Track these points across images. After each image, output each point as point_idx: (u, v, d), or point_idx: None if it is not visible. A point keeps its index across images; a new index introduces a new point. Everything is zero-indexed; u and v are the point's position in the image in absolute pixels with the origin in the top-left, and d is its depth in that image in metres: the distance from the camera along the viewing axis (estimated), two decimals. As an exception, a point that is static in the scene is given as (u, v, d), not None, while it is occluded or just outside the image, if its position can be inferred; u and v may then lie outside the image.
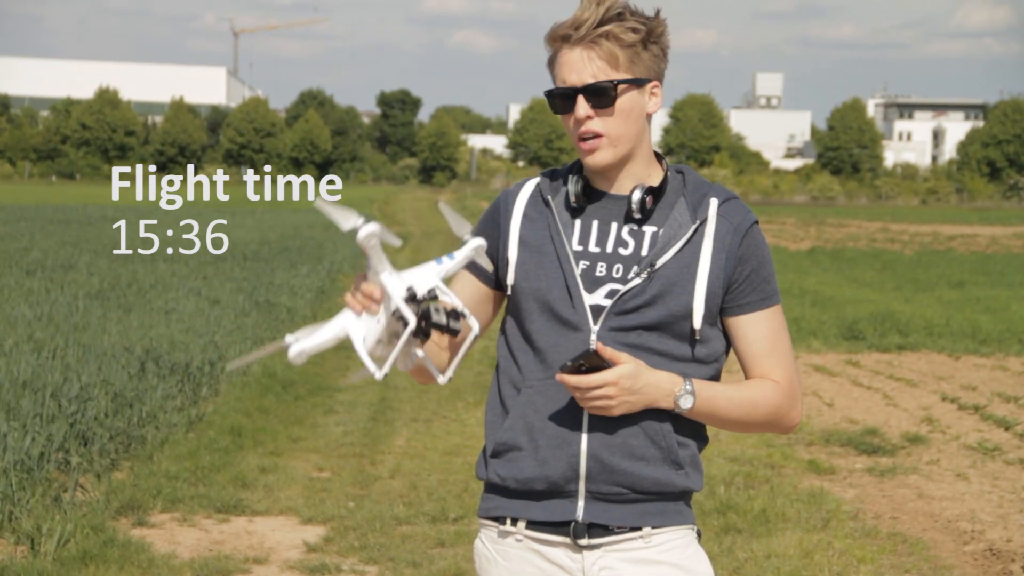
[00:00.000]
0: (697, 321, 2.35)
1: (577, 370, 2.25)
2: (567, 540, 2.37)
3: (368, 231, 2.12)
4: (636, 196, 2.38)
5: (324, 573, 5.45)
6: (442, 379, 2.28)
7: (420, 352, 2.23)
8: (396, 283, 2.15)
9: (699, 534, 2.46)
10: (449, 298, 2.18)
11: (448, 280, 2.28)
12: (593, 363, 2.25)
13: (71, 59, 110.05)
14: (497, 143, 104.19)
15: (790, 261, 24.27)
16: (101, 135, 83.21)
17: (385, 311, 2.17)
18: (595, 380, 2.25)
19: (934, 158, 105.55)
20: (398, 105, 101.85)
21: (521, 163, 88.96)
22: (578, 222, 2.42)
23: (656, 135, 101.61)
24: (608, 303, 2.36)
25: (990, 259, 26.25)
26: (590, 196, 2.43)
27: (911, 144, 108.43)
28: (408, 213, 45.60)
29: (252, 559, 5.61)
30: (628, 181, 2.42)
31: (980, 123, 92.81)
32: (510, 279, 2.42)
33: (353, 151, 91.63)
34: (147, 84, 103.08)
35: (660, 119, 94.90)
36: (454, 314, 2.17)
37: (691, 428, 2.40)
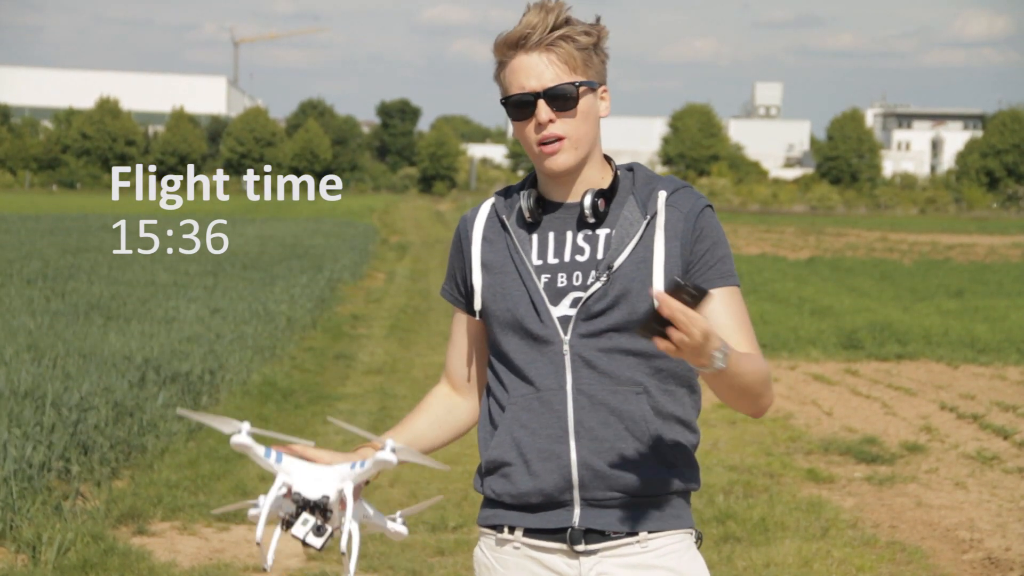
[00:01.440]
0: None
1: (677, 293, 2.06)
2: (564, 547, 2.38)
3: (236, 443, 2.17)
4: (587, 200, 2.37)
5: (324, 581, 5.47)
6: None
7: (348, 528, 2.22)
8: (283, 482, 2.19)
9: (700, 537, 2.45)
10: (347, 509, 2.19)
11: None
12: (691, 294, 2.07)
13: (71, 69, 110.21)
14: (497, 152, 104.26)
15: (789, 270, 24.28)
16: (102, 144, 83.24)
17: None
18: (694, 315, 2.06)
19: (933, 168, 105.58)
20: (398, 115, 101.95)
21: (521, 172, 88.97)
22: (535, 236, 2.42)
23: (655, 144, 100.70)
24: (574, 312, 2.36)
25: (988, 268, 26.26)
26: (544, 209, 2.43)
27: (910, 154, 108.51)
28: (408, 222, 45.60)
29: (252, 568, 5.63)
30: (582, 187, 2.42)
31: (979, 133, 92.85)
32: (477, 304, 2.44)
33: (353, 160, 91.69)
34: (147, 94, 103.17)
35: (659, 128, 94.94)
36: (320, 529, 2.17)
37: (679, 424, 2.39)
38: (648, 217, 2.37)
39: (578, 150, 2.37)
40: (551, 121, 2.35)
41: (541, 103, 2.35)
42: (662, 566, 2.38)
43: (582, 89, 2.36)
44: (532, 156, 2.41)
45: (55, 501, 6.15)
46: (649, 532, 2.37)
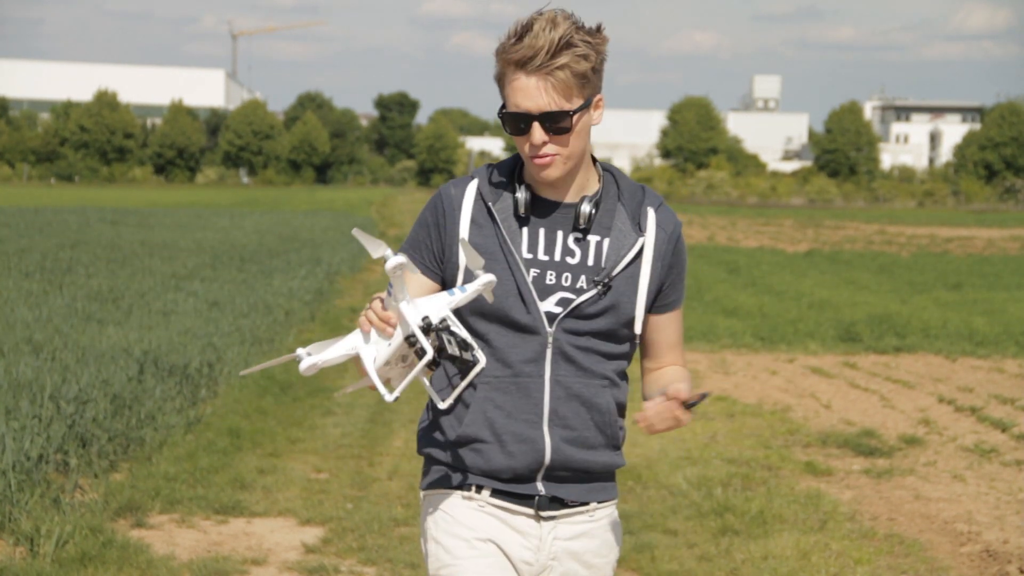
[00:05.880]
0: (638, 327, 2.59)
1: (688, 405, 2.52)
2: (529, 511, 2.58)
3: (395, 262, 2.25)
4: (584, 209, 2.53)
5: (322, 574, 5.47)
6: (442, 404, 2.44)
7: (426, 380, 2.41)
8: (412, 312, 2.30)
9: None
10: (458, 330, 2.34)
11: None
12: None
13: (70, 62, 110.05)
14: (495, 145, 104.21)
15: (787, 263, 24.28)
16: (100, 137, 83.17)
17: (398, 336, 2.31)
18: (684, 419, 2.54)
19: (931, 160, 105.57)
20: (396, 107, 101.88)
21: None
22: (525, 230, 2.55)
23: (653, 137, 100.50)
24: (559, 311, 2.53)
25: (986, 261, 26.27)
26: (534, 204, 2.56)
27: (908, 147, 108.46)
28: (406, 215, 45.57)
29: (250, 560, 5.63)
30: (571, 188, 2.55)
31: (977, 126, 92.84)
32: (458, 283, 2.55)
33: (351, 153, 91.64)
34: (146, 87, 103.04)
35: (658, 121, 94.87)
36: (465, 345, 2.32)
37: (622, 412, 2.65)
38: (643, 234, 2.55)
39: (568, 163, 2.50)
40: (544, 143, 2.46)
41: (536, 126, 2.45)
42: (600, 536, 2.66)
43: (576, 116, 2.45)
44: (524, 159, 2.53)
45: (53, 494, 6.14)
46: (598, 503, 2.65)
